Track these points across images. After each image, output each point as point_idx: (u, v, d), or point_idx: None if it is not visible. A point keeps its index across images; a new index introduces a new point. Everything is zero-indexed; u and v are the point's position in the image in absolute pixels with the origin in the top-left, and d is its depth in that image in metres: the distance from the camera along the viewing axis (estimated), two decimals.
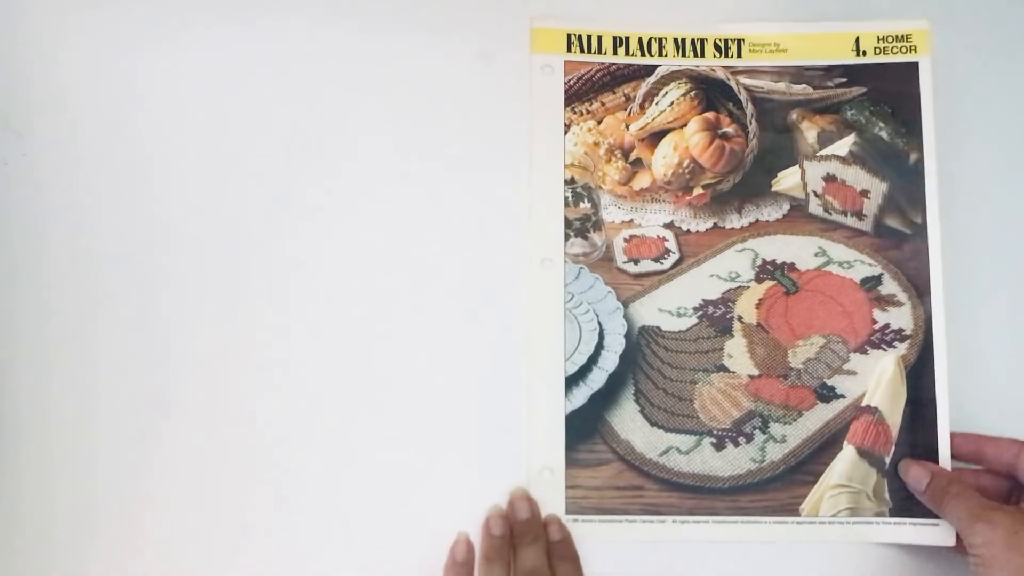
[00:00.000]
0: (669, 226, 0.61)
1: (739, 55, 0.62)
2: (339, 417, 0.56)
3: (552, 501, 0.56)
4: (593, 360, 0.58)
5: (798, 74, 0.62)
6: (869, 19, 0.63)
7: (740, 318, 0.59)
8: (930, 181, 0.60)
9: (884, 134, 0.61)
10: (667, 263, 0.60)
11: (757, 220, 0.61)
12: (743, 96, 0.61)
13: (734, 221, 0.61)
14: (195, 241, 0.57)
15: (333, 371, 0.57)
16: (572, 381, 0.58)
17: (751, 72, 0.62)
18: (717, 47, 0.62)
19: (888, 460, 0.57)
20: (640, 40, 0.62)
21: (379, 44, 0.60)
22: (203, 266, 0.57)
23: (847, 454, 0.57)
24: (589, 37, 0.62)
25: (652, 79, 0.62)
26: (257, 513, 0.55)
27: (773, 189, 0.61)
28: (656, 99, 0.62)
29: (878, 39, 0.62)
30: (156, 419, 0.55)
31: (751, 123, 0.61)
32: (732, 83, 0.62)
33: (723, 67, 0.62)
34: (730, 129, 0.61)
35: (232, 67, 0.59)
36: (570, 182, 0.60)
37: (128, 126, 0.58)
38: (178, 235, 0.57)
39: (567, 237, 0.59)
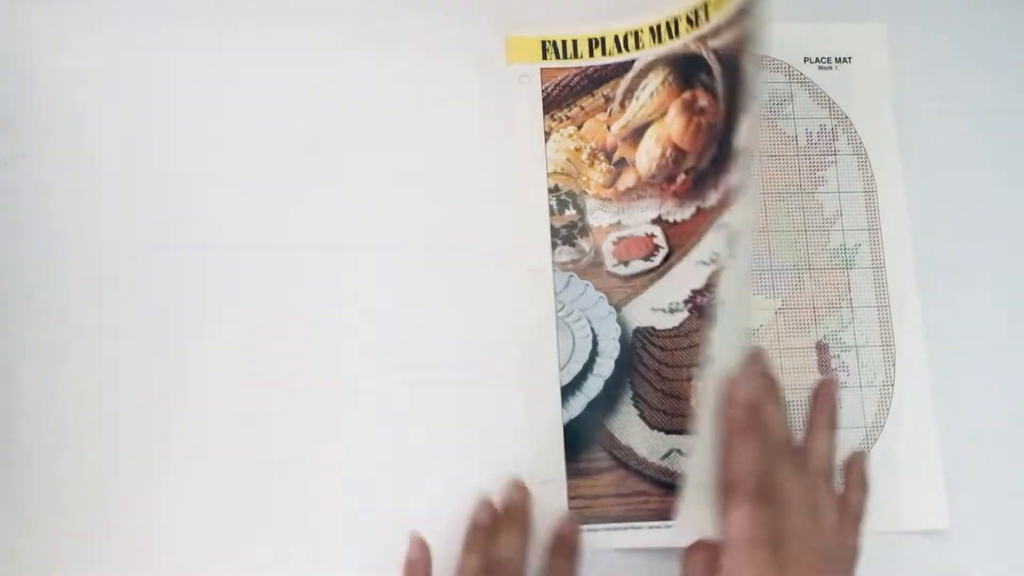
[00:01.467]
0: (656, 221, 0.59)
1: (707, 18, 0.59)
2: (331, 432, 0.56)
3: (555, 514, 0.55)
4: (588, 368, 0.57)
5: None
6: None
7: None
8: None
9: None
10: (657, 259, 0.58)
11: (727, 188, 0.58)
12: (711, 58, 0.59)
13: (712, 198, 0.58)
14: (195, 241, 0.57)
15: (324, 386, 0.57)
16: (568, 390, 0.57)
17: (716, 31, 0.59)
18: (689, 20, 0.60)
19: None
20: (616, 38, 0.61)
21: (354, 60, 0.61)
22: (202, 266, 0.57)
23: None
24: (564, 42, 0.62)
25: (631, 75, 0.61)
26: (263, 516, 0.55)
27: (734, 145, 0.57)
28: (636, 94, 0.61)
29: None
30: (160, 419, 0.55)
31: (719, 85, 0.58)
32: (703, 52, 0.59)
33: (695, 39, 0.59)
34: (704, 102, 0.59)
35: (231, 67, 0.60)
36: (554, 190, 0.60)
37: (128, 126, 0.58)
38: (178, 235, 0.57)
39: (554, 245, 0.59)
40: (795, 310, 0.58)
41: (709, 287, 0.57)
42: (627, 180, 0.60)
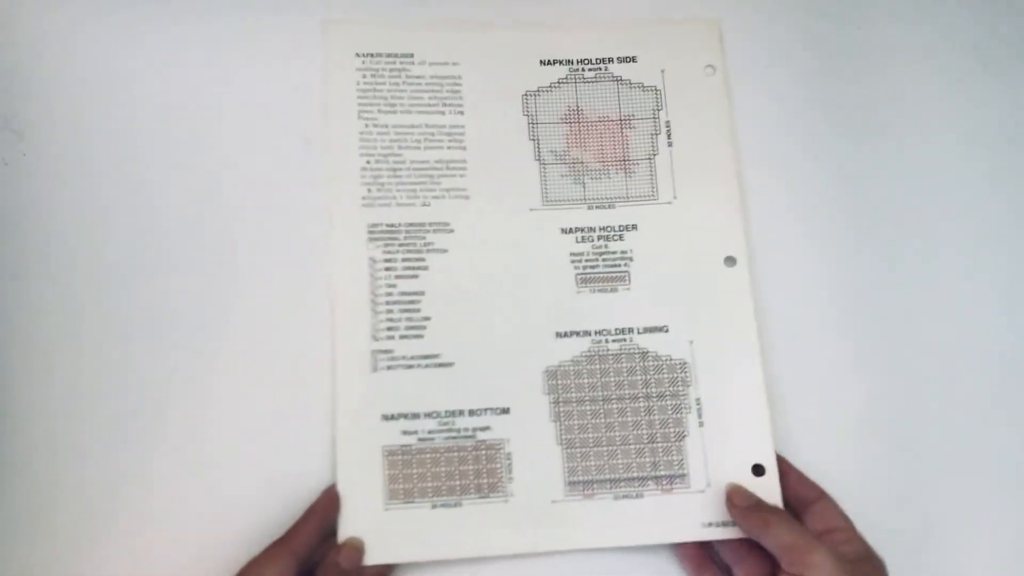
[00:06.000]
0: None
1: None
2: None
3: None
4: None
5: None
6: None
7: None
8: None
9: None
10: None
11: None
12: None
13: None
14: (196, 240, 0.57)
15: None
16: None
17: None
18: None
19: None
20: None
21: None
22: (202, 265, 0.57)
23: None
24: None
25: None
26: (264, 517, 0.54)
27: None
28: None
29: None
30: (156, 419, 0.54)
31: None
32: None
33: None
34: None
35: (230, 66, 0.59)
36: None
37: (129, 125, 0.58)
38: (179, 235, 0.57)
39: None
40: None
41: None
42: None
